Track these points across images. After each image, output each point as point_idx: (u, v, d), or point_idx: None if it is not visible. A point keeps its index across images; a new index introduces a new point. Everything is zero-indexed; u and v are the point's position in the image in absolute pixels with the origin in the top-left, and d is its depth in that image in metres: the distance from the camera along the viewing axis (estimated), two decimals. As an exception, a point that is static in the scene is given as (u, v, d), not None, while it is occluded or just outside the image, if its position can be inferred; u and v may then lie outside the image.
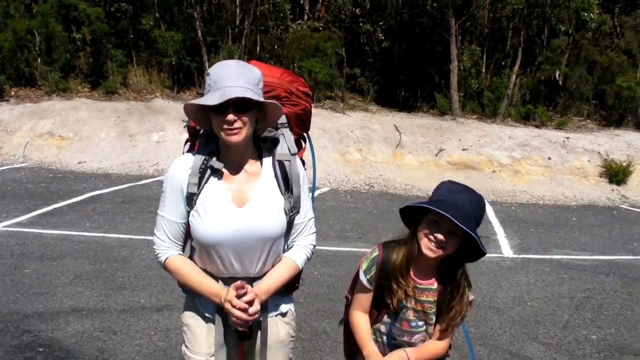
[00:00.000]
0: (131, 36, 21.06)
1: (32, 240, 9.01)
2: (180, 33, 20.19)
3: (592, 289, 8.14)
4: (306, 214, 2.95)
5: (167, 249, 2.86)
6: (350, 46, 21.78)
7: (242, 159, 2.83)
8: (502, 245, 10.37)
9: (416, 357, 2.86)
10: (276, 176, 2.85)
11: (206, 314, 2.92)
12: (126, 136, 17.18)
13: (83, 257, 8.32)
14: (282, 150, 2.91)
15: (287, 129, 2.98)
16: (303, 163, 3.06)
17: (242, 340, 2.83)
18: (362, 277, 2.97)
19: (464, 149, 17.57)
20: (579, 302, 7.55)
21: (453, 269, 2.86)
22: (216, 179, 2.79)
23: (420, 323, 2.91)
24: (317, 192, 14.28)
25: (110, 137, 17.17)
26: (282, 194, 2.84)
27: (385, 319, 2.96)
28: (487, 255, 9.14)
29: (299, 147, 3.11)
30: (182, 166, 2.80)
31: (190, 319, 2.98)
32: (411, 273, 2.89)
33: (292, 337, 3.12)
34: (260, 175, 2.84)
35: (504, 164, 17.29)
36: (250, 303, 2.69)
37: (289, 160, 2.89)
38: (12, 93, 19.32)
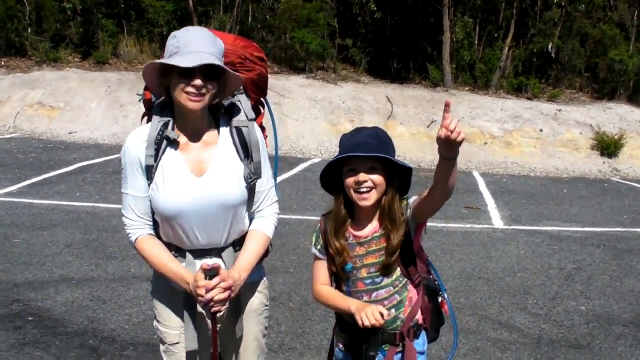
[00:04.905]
0: (122, 6, 20.78)
1: (22, 210, 9.00)
2: (172, 3, 19.98)
3: (582, 260, 8.18)
4: (268, 181, 2.92)
5: (137, 229, 2.82)
6: (343, 17, 21.58)
7: (199, 128, 2.78)
8: (493, 216, 10.39)
9: None
10: (234, 143, 2.81)
11: (176, 288, 2.80)
12: (117, 106, 17.08)
13: (73, 227, 8.32)
14: (239, 116, 2.85)
15: (243, 95, 2.93)
16: (263, 129, 3.01)
17: (214, 315, 2.74)
18: (313, 250, 2.92)
19: (455, 121, 17.51)
20: (568, 273, 7.59)
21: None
22: (173, 149, 2.74)
23: (378, 279, 2.81)
24: (308, 163, 14.29)
25: (101, 108, 17.09)
26: (241, 160, 2.79)
27: (343, 287, 2.90)
28: (478, 226, 9.13)
29: (257, 113, 3.06)
30: (137, 139, 2.74)
31: (160, 293, 2.95)
32: (353, 231, 2.83)
33: (266, 305, 3.09)
34: (217, 143, 2.79)
35: (495, 135, 17.29)
36: (228, 288, 2.63)
37: (247, 126, 2.84)
38: (2, 63, 19.16)
